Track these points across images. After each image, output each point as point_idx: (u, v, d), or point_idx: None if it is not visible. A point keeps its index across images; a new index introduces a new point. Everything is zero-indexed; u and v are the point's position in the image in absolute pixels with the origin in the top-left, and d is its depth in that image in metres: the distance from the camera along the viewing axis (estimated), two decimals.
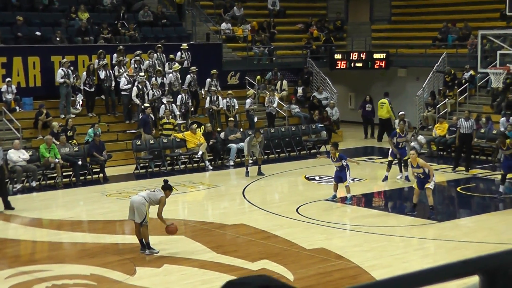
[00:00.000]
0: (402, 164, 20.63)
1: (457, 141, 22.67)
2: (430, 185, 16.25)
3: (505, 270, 2.18)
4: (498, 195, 18.57)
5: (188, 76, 26.52)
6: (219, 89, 26.96)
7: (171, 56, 26.66)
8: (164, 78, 25.89)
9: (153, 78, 25.43)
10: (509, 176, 18.76)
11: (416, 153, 16.94)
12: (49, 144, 21.02)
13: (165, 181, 14.30)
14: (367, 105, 30.13)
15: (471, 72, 28.37)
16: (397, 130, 21.17)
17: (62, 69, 24.34)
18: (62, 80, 24.16)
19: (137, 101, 24.70)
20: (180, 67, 26.51)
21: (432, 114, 27.54)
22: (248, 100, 26.69)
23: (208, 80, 26.98)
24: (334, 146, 18.38)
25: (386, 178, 20.75)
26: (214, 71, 26.89)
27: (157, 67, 26.20)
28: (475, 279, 2.21)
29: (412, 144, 22.62)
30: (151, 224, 13.95)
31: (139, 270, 13.01)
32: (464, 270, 2.16)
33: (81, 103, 24.93)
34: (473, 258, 2.18)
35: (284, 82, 30.13)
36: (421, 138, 24.34)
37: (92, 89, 25.12)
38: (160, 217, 13.68)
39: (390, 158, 20.93)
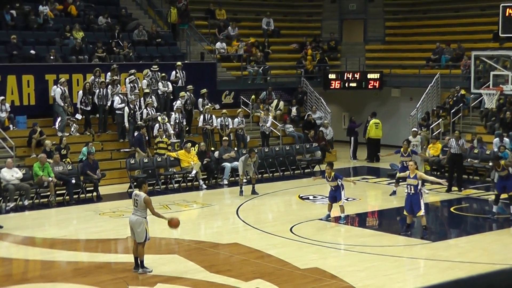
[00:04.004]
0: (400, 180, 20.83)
1: (446, 161, 22.72)
2: (421, 213, 16.34)
3: None
4: (491, 215, 18.60)
5: (185, 94, 26.55)
6: (217, 107, 27.11)
7: (163, 74, 26.72)
8: (153, 98, 25.84)
9: (148, 97, 25.47)
10: (503, 196, 18.79)
11: (415, 164, 16.97)
12: (42, 163, 20.99)
13: (136, 180, 14.26)
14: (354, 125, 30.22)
15: (462, 91, 28.53)
16: (401, 150, 21.27)
17: (60, 88, 24.35)
18: (60, 100, 24.18)
19: (127, 125, 24.67)
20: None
21: (425, 135, 27.60)
22: (236, 120, 26.71)
23: (200, 100, 27.06)
24: (329, 165, 18.40)
25: (394, 193, 21.21)
26: (204, 90, 26.97)
27: (153, 86, 26.25)
28: None
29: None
30: (146, 243, 13.91)
31: None
32: None
33: (77, 128, 24.94)
34: (464, 278, 2.21)
35: (281, 102, 30.21)
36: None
37: (88, 108, 25.17)
38: (156, 214, 13.66)
39: (398, 174, 21.05)
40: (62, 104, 24.34)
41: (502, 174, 18.54)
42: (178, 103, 26.16)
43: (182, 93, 26.50)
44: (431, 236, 16.77)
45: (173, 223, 13.83)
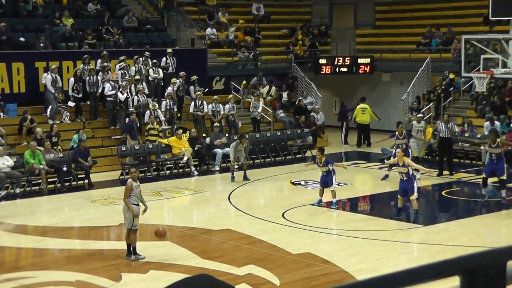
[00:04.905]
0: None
1: (436, 146, 22.75)
2: (414, 196, 16.37)
3: (485, 270, 2.21)
4: (481, 199, 18.61)
5: (177, 81, 26.49)
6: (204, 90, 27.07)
7: (154, 61, 26.64)
8: (144, 84, 25.75)
9: (139, 84, 25.40)
10: (493, 180, 18.83)
11: (402, 152, 17.01)
12: (33, 151, 20.95)
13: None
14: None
15: (451, 75, 28.56)
16: (396, 132, 21.19)
17: (51, 75, 24.26)
18: (51, 87, 24.08)
19: (133, 110, 24.49)
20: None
21: (416, 118, 27.59)
22: (227, 106, 26.68)
23: (191, 87, 27.02)
24: (320, 151, 18.40)
25: (386, 176, 21.22)
26: (194, 77, 26.91)
27: (143, 72, 26.20)
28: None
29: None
30: (139, 229, 13.94)
31: (124, 276, 12.99)
32: (444, 270, 2.19)
33: (69, 115, 24.88)
34: (454, 258, 2.22)
35: (273, 88, 30.20)
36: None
37: (80, 95, 25.10)
38: (125, 201, 13.69)
39: (387, 161, 21.06)
40: (53, 91, 24.25)
41: (494, 152, 18.43)
42: (169, 90, 26.08)
43: (173, 80, 26.43)
44: (423, 220, 16.83)
45: (160, 234, 13.91)
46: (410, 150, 20.98)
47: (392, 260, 13.64)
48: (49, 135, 22.80)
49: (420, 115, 24.67)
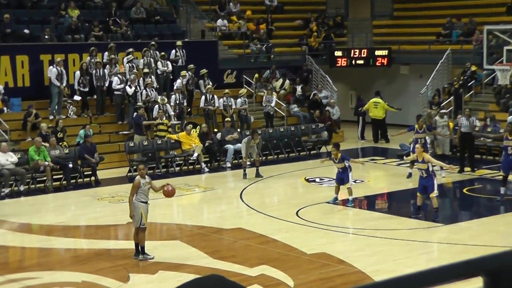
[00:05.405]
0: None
1: (457, 141, 22.61)
2: (435, 194, 16.30)
3: (510, 271, 2.19)
4: (500, 198, 18.47)
5: (186, 74, 26.49)
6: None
7: (163, 53, 26.63)
8: (152, 78, 25.76)
9: (148, 78, 25.41)
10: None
11: (421, 147, 16.92)
12: (38, 147, 21.00)
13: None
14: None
15: (473, 68, 28.43)
16: (416, 126, 21.11)
17: (56, 68, 24.30)
18: (56, 80, 24.13)
19: (141, 104, 24.50)
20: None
21: (436, 113, 27.50)
22: (239, 100, 26.66)
23: (201, 81, 27.02)
24: (335, 146, 18.36)
25: (410, 175, 20.93)
26: (203, 70, 26.89)
27: (153, 65, 26.21)
28: None
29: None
30: (147, 228, 13.96)
31: (132, 277, 13.01)
32: (466, 271, 2.17)
33: (75, 110, 24.94)
34: (476, 258, 2.20)
35: (287, 81, 30.17)
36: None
37: (86, 89, 25.14)
38: (129, 199, 13.73)
39: (406, 158, 20.98)
40: (58, 85, 24.30)
41: (511, 145, 18.28)
42: (178, 83, 26.11)
43: (183, 72, 26.43)
44: (443, 218, 16.77)
45: (168, 192, 13.94)
46: (428, 146, 20.90)
47: (411, 261, 13.60)
48: (54, 130, 22.86)
49: (443, 110, 24.38)
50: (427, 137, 21.91)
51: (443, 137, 23.24)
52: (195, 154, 23.43)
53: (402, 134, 22.71)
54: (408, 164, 21.27)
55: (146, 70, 25.73)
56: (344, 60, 32.30)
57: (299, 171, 23.18)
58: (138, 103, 24.61)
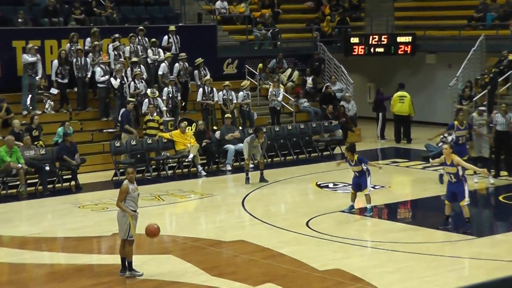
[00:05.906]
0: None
1: (492, 141, 22.48)
2: (466, 202, 16.21)
3: None
4: None
5: (177, 64, 26.50)
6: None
7: (153, 40, 26.57)
8: (141, 67, 25.74)
9: (136, 68, 25.36)
10: None
11: (450, 148, 16.79)
12: (10, 147, 20.98)
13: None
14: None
15: (510, 56, 28.39)
16: (455, 123, 20.97)
17: (28, 56, 24.24)
18: (30, 71, 24.12)
19: (131, 99, 24.50)
20: (171, 55, 26.51)
21: (468, 109, 27.45)
22: (241, 93, 26.62)
23: (196, 72, 26.99)
24: (350, 149, 18.18)
25: (441, 177, 20.76)
26: (199, 60, 26.84)
27: (140, 53, 26.17)
28: None
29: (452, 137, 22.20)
30: (135, 241, 13.90)
31: None
32: None
33: (52, 105, 24.92)
34: None
35: (295, 72, 30.16)
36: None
37: (65, 80, 25.11)
38: (118, 205, 13.63)
39: (432, 161, 20.87)
40: (33, 76, 24.25)
41: None
42: (175, 68, 26.17)
43: (182, 55, 26.28)
44: (476, 230, 16.72)
45: (150, 231, 13.76)
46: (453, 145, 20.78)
47: (438, 279, 13.58)
48: (28, 128, 22.85)
49: (482, 107, 24.00)
50: (453, 135, 21.74)
51: (486, 137, 22.89)
52: (191, 155, 23.43)
53: (440, 135, 22.63)
54: (438, 167, 21.09)
55: (134, 59, 25.70)
56: (361, 48, 32.33)
57: (310, 175, 23.19)
58: (129, 98, 24.53)
